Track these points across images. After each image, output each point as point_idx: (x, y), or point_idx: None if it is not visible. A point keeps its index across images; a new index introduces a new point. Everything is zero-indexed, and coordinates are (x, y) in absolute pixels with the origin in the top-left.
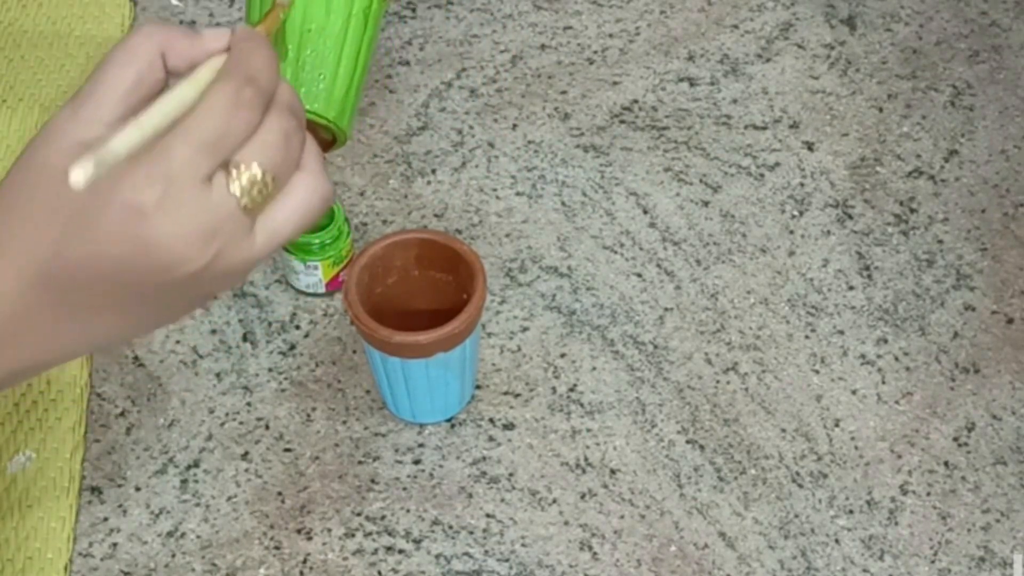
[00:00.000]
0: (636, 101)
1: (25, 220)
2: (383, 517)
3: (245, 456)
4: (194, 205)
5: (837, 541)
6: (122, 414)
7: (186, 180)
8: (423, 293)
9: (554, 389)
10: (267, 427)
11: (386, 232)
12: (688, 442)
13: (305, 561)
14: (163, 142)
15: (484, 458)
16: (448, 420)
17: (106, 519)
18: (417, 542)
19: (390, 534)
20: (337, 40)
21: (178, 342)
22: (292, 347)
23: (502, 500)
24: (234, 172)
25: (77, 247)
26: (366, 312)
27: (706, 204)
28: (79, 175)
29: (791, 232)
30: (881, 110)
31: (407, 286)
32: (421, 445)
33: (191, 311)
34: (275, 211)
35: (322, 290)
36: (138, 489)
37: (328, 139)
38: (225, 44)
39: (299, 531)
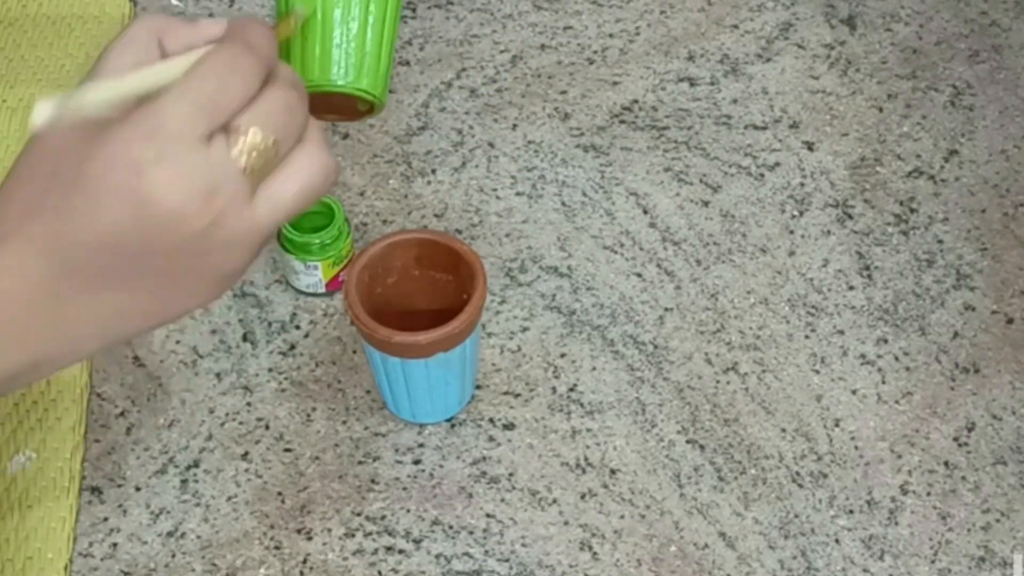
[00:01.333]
0: (636, 101)
1: (27, 194)
2: (383, 517)
3: (245, 456)
4: (192, 162)
5: (837, 541)
6: (122, 414)
7: (183, 137)
8: (423, 293)
9: (554, 389)
10: (267, 427)
11: (386, 232)
12: (688, 442)
13: (305, 561)
14: (158, 100)
15: (484, 458)
16: (448, 420)
17: (106, 519)
18: (417, 542)
19: (390, 534)
20: (364, 13)
21: (178, 342)
22: (292, 347)
23: (502, 500)
24: (235, 135)
25: (77, 212)
26: (366, 312)
27: (706, 204)
28: (39, 113)
29: (791, 232)
30: (881, 110)
31: (407, 286)
32: (421, 445)
33: (200, 298)
34: (277, 182)
35: (322, 290)
36: (138, 489)
37: (365, 110)
38: (222, 32)
39: (299, 531)
